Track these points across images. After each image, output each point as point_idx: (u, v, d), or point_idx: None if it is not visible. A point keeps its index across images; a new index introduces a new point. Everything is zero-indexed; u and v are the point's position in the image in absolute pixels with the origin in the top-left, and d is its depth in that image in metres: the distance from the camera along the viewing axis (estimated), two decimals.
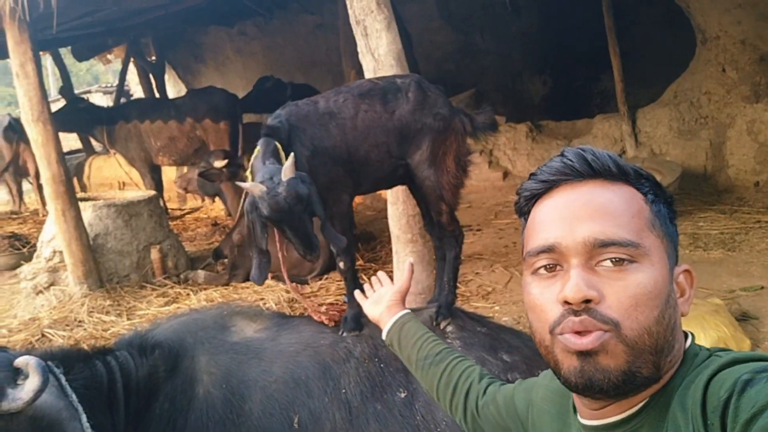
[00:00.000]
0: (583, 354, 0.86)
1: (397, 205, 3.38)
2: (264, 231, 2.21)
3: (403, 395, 2.18)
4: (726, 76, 6.12)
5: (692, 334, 0.95)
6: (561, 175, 0.93)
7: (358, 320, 2.38)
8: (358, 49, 3.25)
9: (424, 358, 1.51)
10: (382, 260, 5.28)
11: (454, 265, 2.79)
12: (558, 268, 0.91)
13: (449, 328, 2.36)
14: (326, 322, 2.44)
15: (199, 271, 5.51)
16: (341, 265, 2.52)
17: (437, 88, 2.71)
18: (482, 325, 2.54)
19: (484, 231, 6.14)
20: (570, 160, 0.93)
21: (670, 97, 6.57)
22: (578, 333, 0.86)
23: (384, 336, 1.64)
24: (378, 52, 3.14)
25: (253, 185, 2.11)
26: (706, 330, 3.25)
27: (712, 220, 5.62)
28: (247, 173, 2.35)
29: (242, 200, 5.92)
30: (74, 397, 1.69)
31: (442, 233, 2.76)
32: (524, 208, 1.01)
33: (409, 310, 1.66)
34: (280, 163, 2.19)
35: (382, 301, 1.73)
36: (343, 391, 2.22)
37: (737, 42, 5.94)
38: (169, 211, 8.54)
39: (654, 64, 7.65)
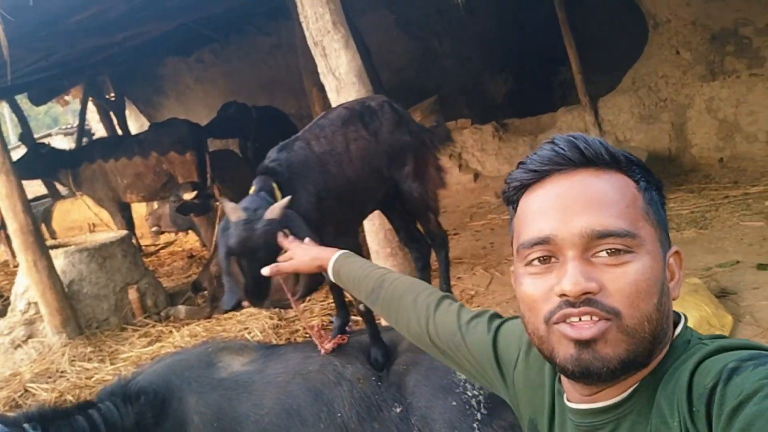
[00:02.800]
0: (582, 342, 0.86)
1: (373, 221, 3.37)
2: (228, 256, 2.14)
3: (398, 410, 2.17)
4: (680, 57, 6.24)
5: (685, 317, 0.95)
6: (552, 164, 0.91)
7: (386, 356, 2.36)
8: (319, 70, 3.25)
9: (368, 295, 1.50)
10: None
11: (446, 264, 2.90)
12: (553, 259, 0.90)
13: None
14: (330, 348, 2.40)
15: (180, 306, 5.43)
16: (361, 307, 2.49)
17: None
18: None
19: (461, 234, 6.16)
20: (562, 149, 0.91)
21: (629, 84, 6.68)
22: (577, 323, 0.86)
23: (330, 277, 1.62)
24: (339, 71, 3.14)
25: (233, 207, 2.04)
26: (687, 310, 3.28)
27: (681, 200, 5.70)
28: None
29: (217, 222, 5.87)
30: None
31: (432, 238, 2.84)
32: (513, 197, 1.00)
33: (344, 251, 1.63)
34: (274, 200, 2.14)
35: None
36: (338, 414, 2.20)
37: (688, 23, 6.07)
38: (143, 248, 8.41)
39: (611, 51, 7.77)
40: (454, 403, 2.12)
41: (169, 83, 11.04)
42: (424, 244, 2.90)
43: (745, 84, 5.92)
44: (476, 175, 7.33)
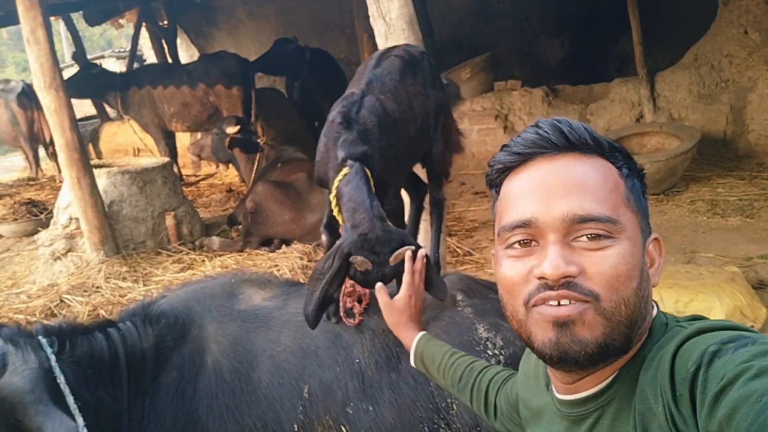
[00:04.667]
0: (559, 324, 0.86)
1: None
2: (341, 283, 2.05)
3: None
4: (748, 37, 5.94)
5: (656, 304, 0.95)
6: (536, 147, 0.91)
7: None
8: (369, 13, 3.18)
9: (451, 385, 1.57)
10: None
11: (440, 227, 2.82)
12: (533, 243, 0.89)
13: (459, 297, 2.34)
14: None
15: (214, 237, 5.54)
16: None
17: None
18: (493, 291, 2.53)
19: None
20: (546, 132, 0.90)
21: (691, 60, 6.40)
22: (555, 306, 0.86)
23: (411, 361, 1.68)
24: (390, 15, 3.06)
25: (362, 261, 1.94)
26: (722, 298, 3.22)
27: (730, 187, 5.52)
28: (332, 196, 2.16)
29: (256, 165, 5.92)
30: (62, 377, 1.68)
31: (434, 203, 2.75)
32: (496, 180, 0.99)
33: (424, 332, 1.68)
34: (370, 192, 2.07)
35: (405, 311, 1.74)
36: (357, 360, 2.21)
37: (761, 2, 5.75)
38: (184, 177, 8.56)
39: (675, 26, 7.45)
40: None
41: (222, 15, 11.01)
42: (422, 187, 2.82)
43: None
44: None
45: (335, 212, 2.15)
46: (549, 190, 0.88)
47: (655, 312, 0.93)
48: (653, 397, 0.82)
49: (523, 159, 0.93)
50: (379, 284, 1.75)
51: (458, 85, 2.59)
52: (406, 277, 1.70)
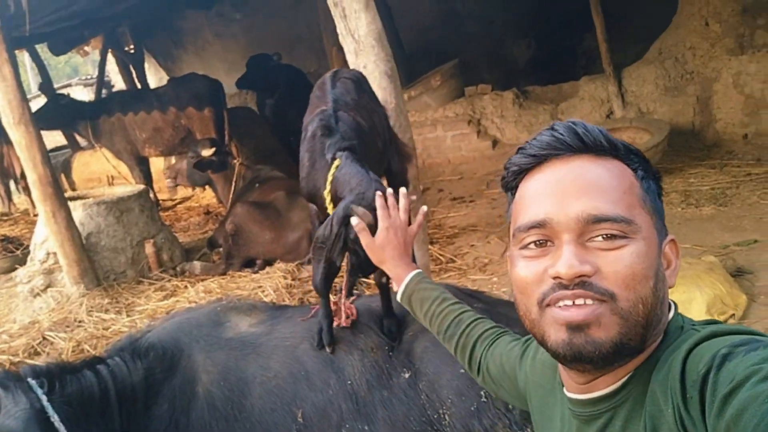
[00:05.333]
0: (574, 326, 0.86)
1: None
2: (343, 249, 2.04)
3: (406, 376, 2.18)
4: (709, 29, 6.06)
5: (675, 305, 0.96)
6: (551, 149, 0.92)
7: (398, 326, 2.32)
8: (338, 31, 3.20)
9: (437, 333, 1.55)
10: None
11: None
12: (548, 243, 0.90)
13: None
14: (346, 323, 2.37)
15: (195, 262, 5.50)
16: (383, 280, 2.42)
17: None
18: (478, 300, 2.55)
19: (477, 202, 6.13)
20: (561, 134, 0.91)
21: (655, 54, 6.52)
22: (570, 306, 0.86)
23: (398, 298, 1.63)
24: (358, 33, 3.09)
25: (363, 212, 1.88)
26: (702, 288, 3.25)
27: (702, 176, 5.61)
28: (327, 192, 2.21)
29: (233, 186, 5.90)
30: (56, 416, 1.68)
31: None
32: (512, 183, 1.00)
33: (417, 271, 1.61)
34: (366, 168, 2.11)
35: (387, 245, 1.63)
36: (348, 382, 2.21)
37: None
38: (160, 202, 8.49)
39: (638, 20, 7.58)
40: (462, 371, 2.14)
41: (189, 37, 10.97)
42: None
43: None
44: (495, 142, 7.26)
45: (330, 208, 2.17)
46: (563, 191, 0.89)
47: (672, 314, 0.93)
48: (663, 398, 0.83)
49: (537, 161, 0.94)
50: (358, 222, 1.65)
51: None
52: (379, 212, 1.63)
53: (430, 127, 7.21)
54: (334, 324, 2.31)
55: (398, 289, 1.60)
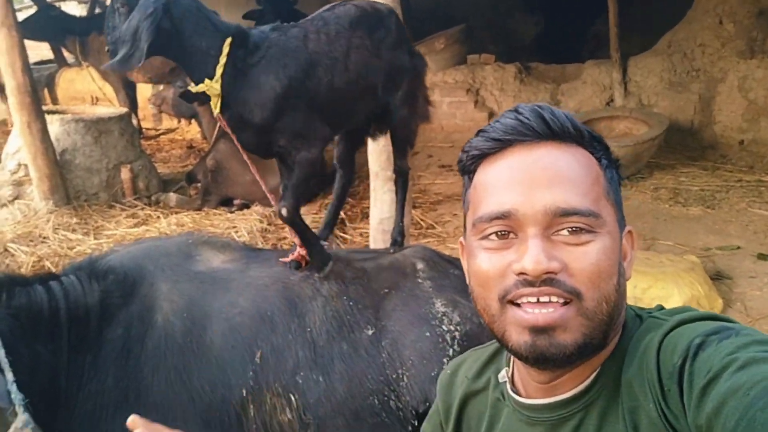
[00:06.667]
0: (538, 329, 0.83)
1: (378, 142, 3.25)
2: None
3: (370, 332, 2.13)
4: (722, 28, 5.96)
5: None
6: (517, 134, 0.86)
7: (323, 254, 2.23)
8: None
9: None
10: (360, 195, 5.18)
11: (404, 198, 2.76)
12: (511, 235, 0.85)
13: (420, 266, 2.29)
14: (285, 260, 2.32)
15: (171, 194, 5.38)
16: (283, 211, 2.36)
17: None
18: (455, 267, 2.49)
19: None
20: (527, 119, 0.86)
21: (664, 47, 6.42)
22: (534, 303, 0.83)
23: None
24: None
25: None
26: (680, 287, 3.25)
27: (693, 176, 5.59)
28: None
29: (219, 124, 5.73)
30: None
31: (398, 172, 2.67)
32: (469, 166, 0.93)
33: None
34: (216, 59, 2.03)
35: None
36: (308, 329, 2.16)
37: None
38: (143, 130, 8.29)
39: (652, 11, 7.45)
40: (428, 334, 2.09)
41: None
42: (353, 173, 2.75)
43: None
44: (491, 114, 7.15)
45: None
46: (530, 181, 0.84)
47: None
48: (642, 393, 0.80)
49: (501, 145, 0.88)
50: None
51: (425, 61, 2.52)
52: None
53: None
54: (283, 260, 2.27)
55: None
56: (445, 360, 2.04)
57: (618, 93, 6.57)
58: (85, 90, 9.10)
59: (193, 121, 6.84)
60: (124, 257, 2.27)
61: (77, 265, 2.08)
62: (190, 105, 5.72)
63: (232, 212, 4.96)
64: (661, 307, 0.93)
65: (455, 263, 2.51)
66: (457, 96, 7.17)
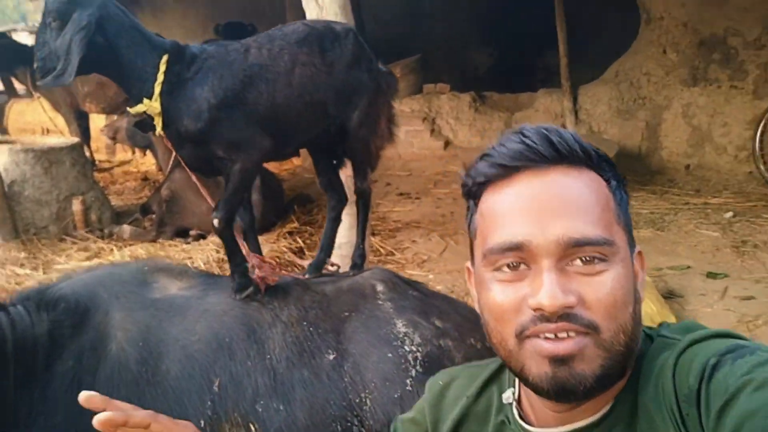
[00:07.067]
0: (558, 359, 0.81)
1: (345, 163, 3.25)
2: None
3: (331, 357, 2.10)
4: (666, 57, 6.22)
5: None
6: (524, 160, 0.83)
7: (246, 276, 2.20)
8: None
9: None
10: (319, 223, 5.16)
11: (366, 219, 2.75)
12: (522, 266, 0.83)
13: (380, 288, 2.28)
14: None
15: (125, 225, 5.25)
16: (215, 222, 2.33)
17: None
18: (415, 289, 2.49)
19: (423, 199, 6.10)
20: (534, 143, 0.83)
21: (612, 76, 6.65)
22: (553, 339, 0.81)
23: None
24: None
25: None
26: None
27: (643, 200, 5.74)
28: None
29: (174, 154, 5.66)
30: None
31: (360, 194, 2.66)
32: (475, 192, 0.91)
33: None
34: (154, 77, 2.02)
35: None
36: (268, 356, 2.12)
37: (680, 24, 6.04)
38: (97, 162, 8.12)
39: (601, 45, 7.72)
40: (390, 355, 2.07)
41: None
42: (343, 195, 2.73)
43: (724, 95, 5.95)
44: (447, 143, 7.26)
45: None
46: (541, 210, 0.81)
47: None
48: (659, 417, 0.78)
49: (508, 172, 0.85)
50: None
51: (395, 76, 2.49)
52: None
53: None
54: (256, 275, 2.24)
55: None
56: (408, 381, 2.02)
57: (569, 120, 6.75)
58: (36, 121, 8.90)
59: (148, 152, 6.74)
60: (76, 285, 2.20)
61: (25, 294, 2.00)
62: (145, 134, 5.63)
63: (188, 243, 4.86)
64: (664, 324, 0.92)
65: (414, 285, 2.51)
66: (414, 125, 7.27)
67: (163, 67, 2.01)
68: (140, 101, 2.04)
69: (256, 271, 2.25)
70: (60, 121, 7.99)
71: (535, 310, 0.81)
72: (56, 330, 1.95)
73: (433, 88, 7.55)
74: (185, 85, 2.06)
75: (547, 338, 0.81)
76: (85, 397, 1.03)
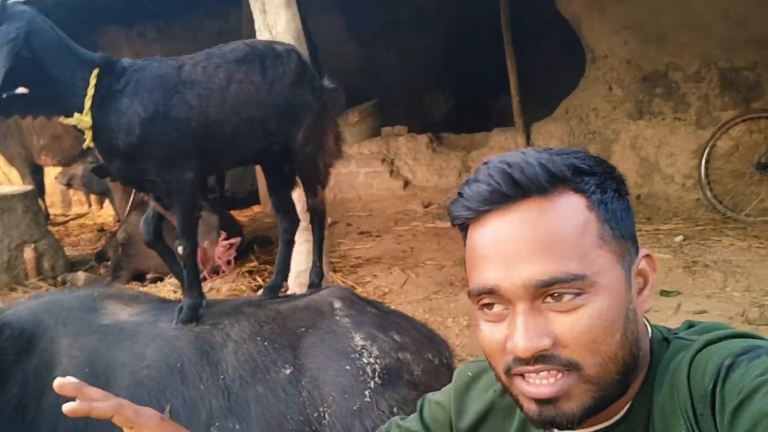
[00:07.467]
0: (543, 401, 0.81)
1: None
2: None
3: (287, 371, 2.07)
4: (612, 93, 6.47)
5: (646, 319, 0.90)
6: (489, 203, 0.82)
7: (195, 310, 2.19)
8: (255, 27, 3.15)
9: None
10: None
11: (322, 237, 2.76)
12: (502, 307, 0.83)
13: (337, 305, 2.27)
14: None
15: (80, 273, 5.13)
16: (179, 249, 2.34)
17: (315, 57, 2.65)
18: (373, 306, 2.49)
19: (384, 237, 6.13)
20: (497, 183, 0.81)
21: (562, 113, 6.87)
22: (536, 376, 0.81)
23: None
24: (276, 29, 3.05)
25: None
26: None
27: None
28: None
29: (132, 197, 5.60)
30: None
31: (313, 211, 2.70)
32: (462, 227, 0.91)
33: None
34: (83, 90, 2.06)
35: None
36: (221, 377, 2.08)
37: (623, 61, 6.31)
38: (51, 216, 7.96)
39: (552, 86, 7.99)
40: (348, 368, 2.05)
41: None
42: (295, 217, 2.75)
43: (668, 126, 6.18)
44: (406, 183, 7.34)
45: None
46: (506, 255, 0.81)
47: (650, 330, 0.88)
48: (674, 417, 0.79)
49: (478, 214, 0.85)
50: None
51: (343, 95, 2.51)
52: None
53: (345, 162, 7.19)
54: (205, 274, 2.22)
55: None
56: (366, 393, 2.00)
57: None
58: None
59: (105, 204, 6.65)
60: (21, 312, 2.15)
61: None
62: (101, 180, 5.57)
63: (144, 286, 4.77)
64: (690, 324, 0.91)
65: (372, 303, 2.50)
66: (373, 166, 7.35)
67: (93, 81, 2.04)
68: (71, 115, 2.06)
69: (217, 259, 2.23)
70: (14, 174, 7.86)
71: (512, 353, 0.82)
72: (0, 357, 1.91)
73: (391, 130, 7.68)
74: (115, 98, 2.10)
75: (529, 381, 0.82)
76: (58, 383, 1.03)
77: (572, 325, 0.79)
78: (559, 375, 0.80)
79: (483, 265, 0.84)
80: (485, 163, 0.86)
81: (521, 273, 0.79)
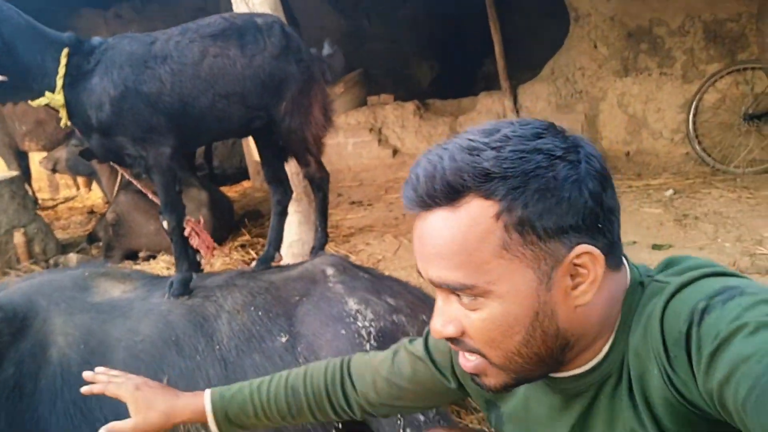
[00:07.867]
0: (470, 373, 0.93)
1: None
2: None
3: (283, 339, 2.08)
4: (597, 51, 6.42)
5: (627, 259, 0.92)
6: (410, 209, 0.89)
7: (186, 284, 2.21)
8: (232, 1, 3.09)
9: (287, 412, 1.36)
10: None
11: (323, 206, 2.78)
12: None
13: (330, 272, 2.28)
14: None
15: (71, 254, 5.11)
16: (164, 224, 2.36)
17: (295, 31, 2.60)
18: (365, 272, 2.50)
19: (375, 206, 6.12)
20: (413, 191, 0.86)
21: (548, 73, 6.82)
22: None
23: (215, 429, 1.35)
24: (252, 1, 2.99)
25: None
26: None
27: None
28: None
29: (119, 178, 5.55)
30: None
31: (311, 180, 2.71)
32: None
33: (207, 391, 1.38)
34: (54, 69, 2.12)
35: (152, 396, 1.40)
36: (217, 347, 2.10)
37: (607, 19, 6.24)
38: (40, 201, 7.90)
39: (537, 47, 7.93)
40: (344, 332, 2.06)
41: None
42: (288, 188, 2.75)
43: (655, 82, 6.15)
44: (395, 151, 7.31)
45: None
46: (421, 253, 0.88)
47: (629, 274, 0.90)
48: (648, 360, 0.81)
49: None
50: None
51: (343, 57, 2.44)
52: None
53: (332, 134, 7.16)
54: (203, 252, 2.27)
55: (209, 420, 1.34)
56: None
57: (511, 118, 6.87)
58: None
59: (93, 186, 6.58)
60: (13, 293, 2.15)
61: None
62: (87, 163, 5.51)
63: (138, 264, 4.76)
64: (668, 262, 0.92)
65: (365, 269, 2.51)
66: (361, 136, 7.30)
67: (64, 60, 2.07)
68: (42, 95, 2.08)
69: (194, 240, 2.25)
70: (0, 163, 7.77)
71: None
72: None
73: (377, 99, 7.62)
74: (86, 76, 2.12)
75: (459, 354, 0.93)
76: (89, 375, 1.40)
77: (472, 323, 0.86)
78: (473, 356, 0.89)
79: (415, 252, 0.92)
80: (425, 154, 0.88)
81: (429, 271, 0.87)
